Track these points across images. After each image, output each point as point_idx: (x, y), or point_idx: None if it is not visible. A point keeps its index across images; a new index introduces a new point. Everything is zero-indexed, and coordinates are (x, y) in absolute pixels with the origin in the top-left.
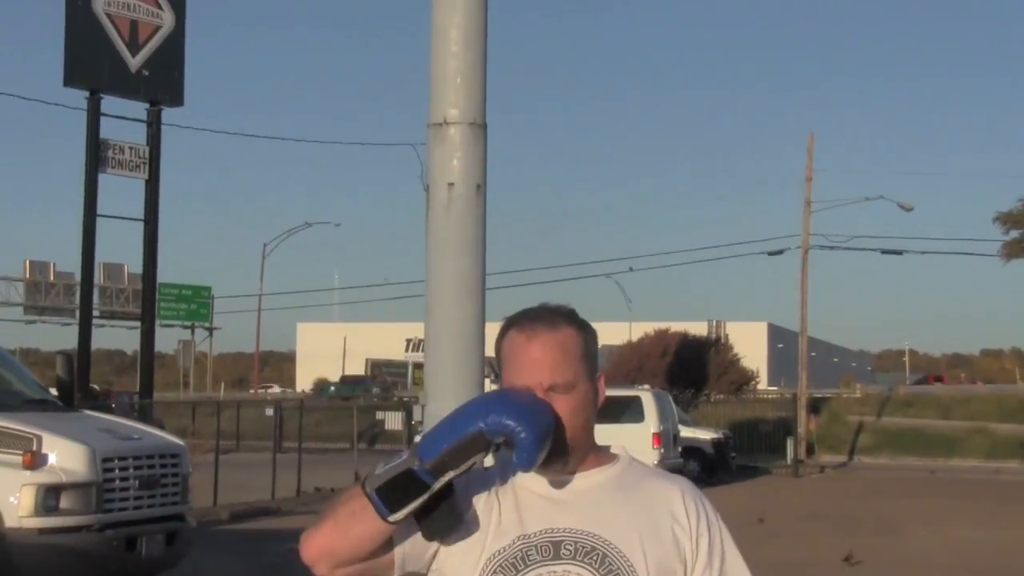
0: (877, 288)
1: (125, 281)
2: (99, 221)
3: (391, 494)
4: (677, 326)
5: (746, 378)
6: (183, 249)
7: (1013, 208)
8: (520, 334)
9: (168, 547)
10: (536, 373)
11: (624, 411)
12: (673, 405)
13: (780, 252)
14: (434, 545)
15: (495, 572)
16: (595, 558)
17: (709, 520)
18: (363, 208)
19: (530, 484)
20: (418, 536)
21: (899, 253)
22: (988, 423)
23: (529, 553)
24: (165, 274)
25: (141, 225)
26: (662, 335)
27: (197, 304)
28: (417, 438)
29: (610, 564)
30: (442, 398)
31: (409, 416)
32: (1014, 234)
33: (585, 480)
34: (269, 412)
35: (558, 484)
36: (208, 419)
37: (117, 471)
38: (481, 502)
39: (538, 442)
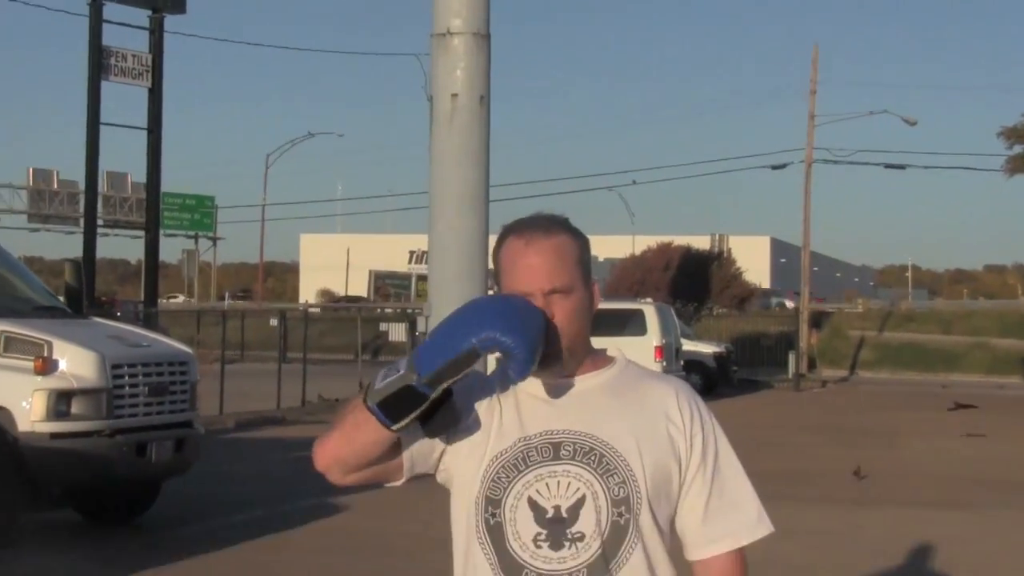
0: (880, 203)
1: (128, 190)
2: (102, 129)
3: (392, 407)
4: (680, 240)
5: (748, 292)
6: (187, 158)
7: (1018, 123)
8: (518, 240)
9: (177, 453)
10: (535, 279)
11: (627, 324)
12: (675, 318)
13: (784, 166)
14: (440, 447)
15: (497, 472)
16: (593, 458)
17: (703, 419)
18: (367, 118)
19: (530, 388)
20: (425, 439)
21: (902, 168)
22: (989, 338)
23: (529, 454)
24: (169, 183)
25: (144, 134)
26: (665, 249)
27: (201, 214)
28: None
29: (607, 464)
30: (446, 309)
31: (413, 327)
32: (1018, 149)
33: (583, 383)
34: (273, 322)
35: (557, 388)
36: (212, 328)
37: (127, 378)
38: (484, 406)
39: (531, 355)
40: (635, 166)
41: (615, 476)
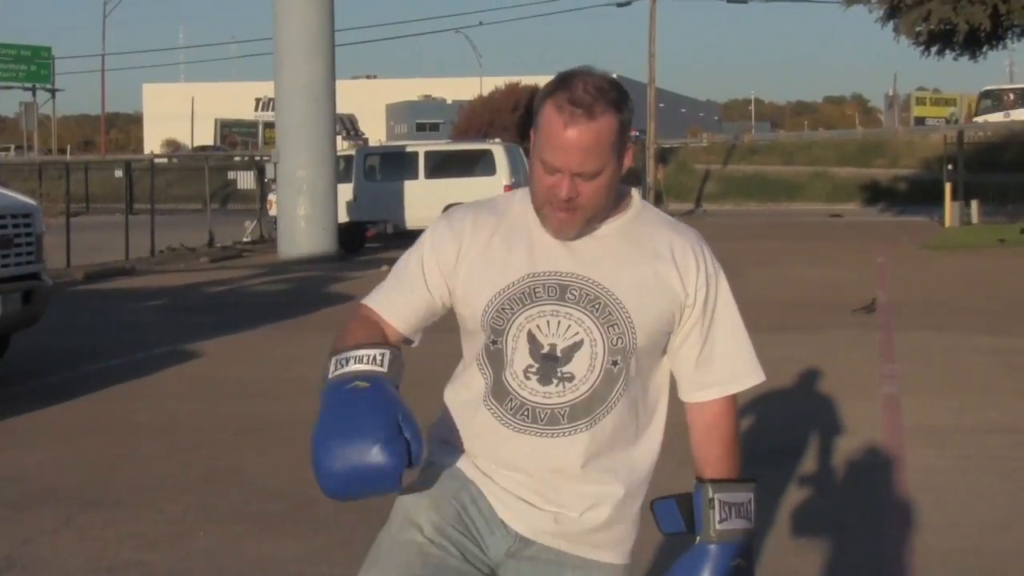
0: (724, 38)
1: None
2: None
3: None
4: (528, 80)
5: None
6: (19, 7)
7: None
8: (559, 116)
9: (25, 305)
10: (568, 162)
11: (476, 165)
12: (524, 158)
13: (628, 3)
14: (443, 293)
15: (503, 304)
16: (597, 307)
17: (707, 271)
18: None
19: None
20: (414, 306)
21: (745, 2)
22: (828, 168)
23: (536, 290)
24: (1, 33)
25: None
26: (513, 89)
27: (37, 65)
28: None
29: (609, 314)
30: (294, 155)
31: (261, 175)
32: None
33: (598, 229)
34: (119, 174)
35: None
36: (55, 182)
37: None
38: (497, 237)
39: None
40: (481, 7)
41: (615, 327)
